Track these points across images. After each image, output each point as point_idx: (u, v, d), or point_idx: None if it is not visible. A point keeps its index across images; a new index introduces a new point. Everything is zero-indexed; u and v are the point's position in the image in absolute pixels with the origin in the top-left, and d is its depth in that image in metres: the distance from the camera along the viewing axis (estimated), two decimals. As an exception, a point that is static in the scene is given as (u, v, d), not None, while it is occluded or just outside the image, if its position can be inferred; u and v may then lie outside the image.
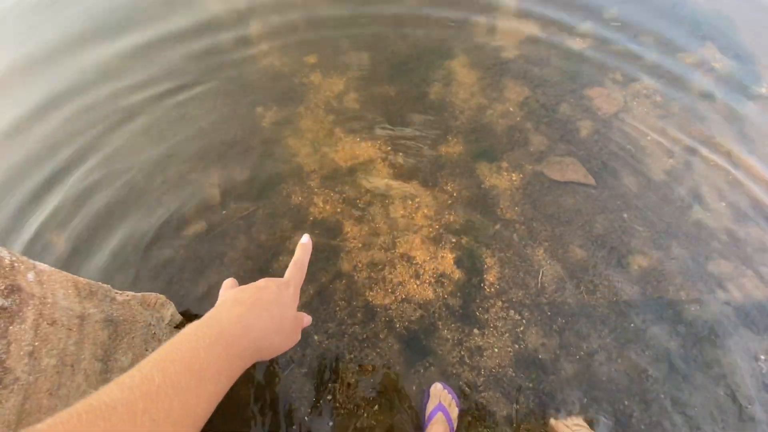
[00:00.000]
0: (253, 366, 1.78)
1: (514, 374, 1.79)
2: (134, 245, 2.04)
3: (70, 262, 1.99)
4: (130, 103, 2.55)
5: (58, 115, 2.51)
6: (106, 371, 1.15)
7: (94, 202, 2.19)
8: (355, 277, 1.99)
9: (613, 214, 2.20)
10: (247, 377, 1.76)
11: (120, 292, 1.36)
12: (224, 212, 2.19)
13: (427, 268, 2.02)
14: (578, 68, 2.73)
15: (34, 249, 2.01)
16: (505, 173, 2.31)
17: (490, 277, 2.00)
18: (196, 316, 1.98)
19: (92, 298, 1.16)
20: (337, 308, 1.91)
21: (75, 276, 1.14)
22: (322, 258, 2.05)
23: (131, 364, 1.32)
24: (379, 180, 2.29)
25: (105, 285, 1.27)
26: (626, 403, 1.74)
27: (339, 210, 2.19)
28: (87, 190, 2.23)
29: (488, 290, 1.97)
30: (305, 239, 0.67)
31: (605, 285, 2.00)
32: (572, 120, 2.51)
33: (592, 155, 2.38)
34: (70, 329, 1.04)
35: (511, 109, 2.55)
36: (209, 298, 1.93)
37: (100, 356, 1.12)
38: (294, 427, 1.66)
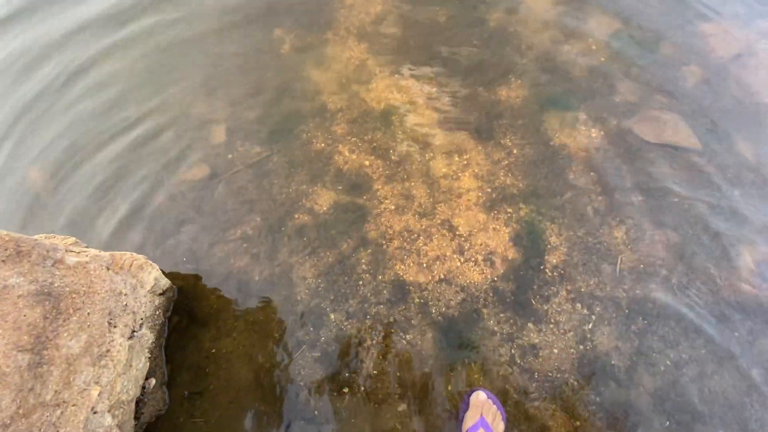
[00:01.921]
0: (254, 344, 1.45)
1: (576, 383, 1.39)
2: (120, 188, 1.68)
3: (43, 203, 1.65)
4: (126, 15, 2.08)
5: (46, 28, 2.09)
6: (39, 364, 0.80)
7: (77, 130, 1.81)
8: (384, 247, 1.59)
9: (722, 190, 1.65)
10: (247, 356, 1.43)
11: (77, 250, 0.99)
12: (230, 156, 1.78)
13: (473, 242, 1.58)
14: (689, -5, 2.05)
15: (7, 183, 1.68)
16: (582, 128, 1.78)
17: (554, 259, 1.55)
18: (189, 281, 1.65)
19: (17, 261, 0.79)
20: (360, 282, 1.53)
21: (-13, 229, 0.76)
22: (345, 220, 1.63)
23: (85, 350, 0.99)
24: (420, 127, 1.80)
25: (47, 241, 0.89)
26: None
27: (368, 162, 1.75)
28: (70, 115, 1.84)
29: (550, 275, 1.53)
30: None
31: (704, 280, 1.52)
32: (676, 64, 1.89)
33: (700, 112, 1.79)
34: (-33, 310, 0.68)
35: (594, 46, 1.94)
36: (209, 259, 1.58)
37: (26, 345, 0.77)
38: (301, 421, 1.35)
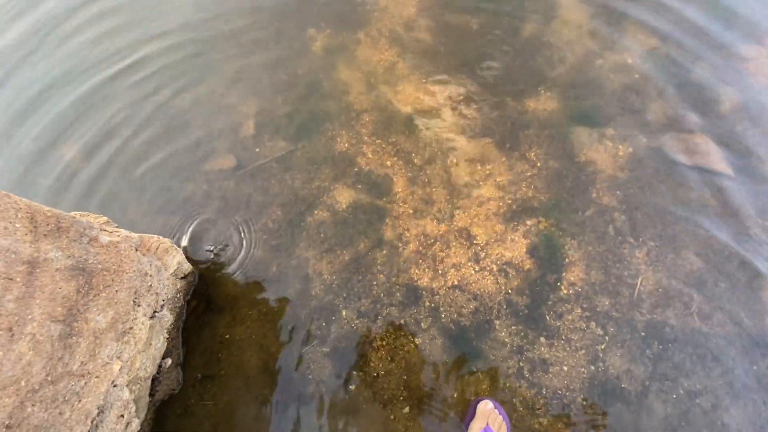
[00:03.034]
0: (267, 333, 1.48)
1: (584, 402, 1.37)
2: (151, 173, 1.74)
3: (77, 181, 1.73)
4: (165, 6, 2.16)
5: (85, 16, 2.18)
6: (69, 335, 0.85)
7: (113, 116, 1.89)
8: (400, 249, 1.60)
9: (751, 219, 1.61)
10: (259, 345, 1.46)
11: (109, 230, 1.04)
12: (257, 149, 1.82)
13: (490, 252, 1.58)
14: (733, 15, 1.99)
15: (46, 160, 1.77)
16: (610, 144, 1.75)
17: (571, 275, 1.54)
18: (209, 267, 1.70)
19: (57, 236, 0.84)
20: (374, 283, 1.55)
21: (33, 203, 0.81)
22: (363, 220, 1.65)
23: (111, 325, 1.04)
24: (445, 133, 1.81)
25: (83, 219, 0.94)
26: (733, 468, 1.29)
27: (390, 164, 1.76)
28: (105, 101, 1.92)
29: (566, 292, 1.51)
30: None
31: (726, 309, 1.48)
32: (712, 86, 1.84)
33: (735, 136, 1.74)
34: (11, 279, 0.72)
35: (629, 61, 1.91)
36: (230, 248, 1.62)
37: (59, 316, 0.82)
38: (306, 414, 1.37)
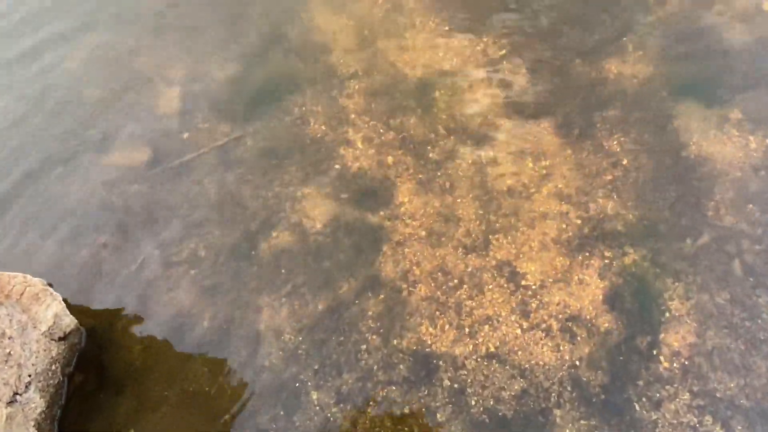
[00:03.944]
0: (193, 426, 1.50)
1: None
2: (9, 171, 1.79)
3: None
4: None
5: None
6: None
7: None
8: (405, 294, 1.62)
9: None
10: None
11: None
12: (185, 135, 1.86)
13: (546, 300, 1.59)
14: None
15: None
16: (736, 132, 1.77)
17: (675, 338, 1.54)
18: (104, 320, 1.68)
19: None
20: (363, 347, 1.56)
21: None
22: (349, 246, 1.67)
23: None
24: (477, 111, 1.85)
25: None
26: None
27: (391, 160, 1.79)
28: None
29: (666, 365, 1.52)
30: None
31: None
32: None
33: None
34: None
35: (766, 8, 1.96)
36: (136, 289, 1.64)
37: None
38: None
